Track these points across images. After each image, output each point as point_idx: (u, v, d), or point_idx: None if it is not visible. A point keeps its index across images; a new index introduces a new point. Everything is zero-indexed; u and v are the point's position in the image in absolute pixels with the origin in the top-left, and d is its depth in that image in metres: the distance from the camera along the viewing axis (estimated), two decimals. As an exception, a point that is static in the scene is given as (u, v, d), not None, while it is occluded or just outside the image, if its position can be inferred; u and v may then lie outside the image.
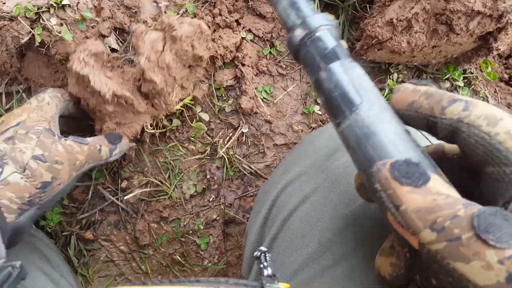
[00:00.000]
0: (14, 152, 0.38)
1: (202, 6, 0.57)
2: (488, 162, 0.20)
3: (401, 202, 0.19)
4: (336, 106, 0.23)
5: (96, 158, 0.46)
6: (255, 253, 0.30)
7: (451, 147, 0.25)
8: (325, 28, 0.25)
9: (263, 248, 0.29)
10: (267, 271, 0.27)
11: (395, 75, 0.56)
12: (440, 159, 0.24)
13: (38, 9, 0.45)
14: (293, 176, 0.43)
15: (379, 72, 0.57)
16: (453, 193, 0.19)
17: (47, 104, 0.45)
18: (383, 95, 0.55)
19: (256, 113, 0.57)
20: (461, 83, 0.57)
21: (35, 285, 0.43)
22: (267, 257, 0.29)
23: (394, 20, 0.48)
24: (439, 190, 0.19)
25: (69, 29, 0.48)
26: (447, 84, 0.56)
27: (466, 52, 0.53)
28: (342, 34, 0.57)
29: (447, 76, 0.56)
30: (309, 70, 0.26)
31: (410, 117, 0.23)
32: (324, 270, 0.34)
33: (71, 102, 0.49)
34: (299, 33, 0.26)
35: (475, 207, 0.18)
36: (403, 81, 0.56)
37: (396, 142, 0.21)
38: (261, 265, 0.28)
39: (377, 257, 0.25)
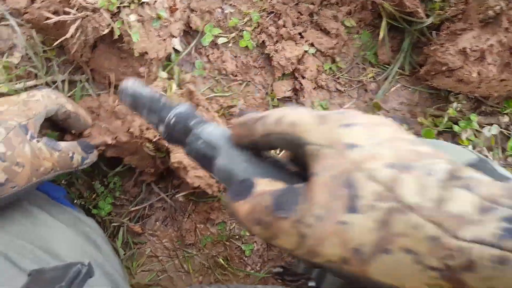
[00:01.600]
0: None
1: (267, 16, 0.58)
2: (294, 151, 0.24)
3: (237, 214, 0.24)
4: (206, 164, 0.29)
5: (66, 165, 0.44)
6: (274, 270, 0.32)
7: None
8: (174, 114, 0.32)
9: (284, 266, 0.31)
10: (311, 283, 0.28)
11: (455, 104, 0.55)
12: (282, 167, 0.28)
13: (120, 3, 0.47)
14: None
15: (437, 99, 0.57)
16: (276, 186, 0.23)
17: (36, 101, 0.43)
18: (441, 122, 0.55)
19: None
20: (520, 117, 0.56)
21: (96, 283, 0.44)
22: (291, 271, 0.31)
23: (468, 50, 0.48)
24: (261, 191, 0.23)
25: (143, 27, 0.50)
26: (506, 119, 0.56)
27: (533, 88, 0.53)
28: (404, 57, 0.57)
29: (506, 110, 0.56)
30: (184, 148, 0.31)
31: (245, 147, 0.27)
32: None
33: (64, 108, 0.46)
34: (162, 129, 0.32)
35: (274, 193, 0.22)
36: (461, 111, 0.56)
37: (246, 169, 0.26)
38: (304, 277, 0.29)
39: None
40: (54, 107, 0.45)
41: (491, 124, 0.55)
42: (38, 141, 0.41)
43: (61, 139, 0.51)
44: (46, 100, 0.44)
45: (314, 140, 0.22)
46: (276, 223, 0.21)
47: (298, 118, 0.23)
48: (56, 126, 0.50)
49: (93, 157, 0.49)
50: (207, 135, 0.29)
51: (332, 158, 0.21)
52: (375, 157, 0.20)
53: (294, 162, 0.27)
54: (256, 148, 0.26)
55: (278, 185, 0.23)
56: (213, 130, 0.29)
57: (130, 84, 0.35)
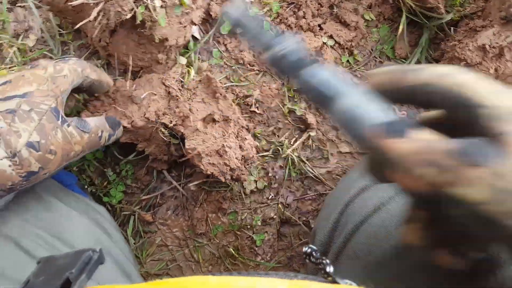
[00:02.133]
0: (10, 135, 0.35)
1: (287, 7, 0.58)
2: (460, 111, 0.22)
3: (389, 150, 0.22)
4: (320, 102, 0.27)
5: (95, 145, 0.44)
6: (304, 249, 0.31)
7: (429, 114, 0.28)
8: (295, 43, 0.30)
9: (312, 246, 0.30)
10: (329, 268, 0.28)
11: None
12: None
13: (143, -11, 0.46)
14: (368, 182, 0.43)
15: (452, 94, 0.58)
16: (435, 137, 0.22)
17: (64, 77, 0.41)
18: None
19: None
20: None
21: (102, 265, 0.44)
22: (318, 254, 0.30)
23: (487, 46, 0.48)
24: (423, 137, 0.22)
25: (166, 13, 0.49)
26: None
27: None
28: (421, 52, 0.58)
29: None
30: (290, 78, 0.30)
31: (390, 94, 0.25)
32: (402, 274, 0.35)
33: (89, 79, 0.45)
34: (271, 52, 0.30)
35: (455, 141, 0.21)
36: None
37: (379, 115, 0.24)
38: (324, 261, 0.28)
39: (401, 230, 0.28)
40: (80, 80, 0.44)
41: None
42: (69, 125, 0.40)
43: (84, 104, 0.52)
44: (73, 74, 0.42)
45: (495, 105, 0.21)
46: (462, 169, 0.20)
47: (472, 81, 0.22)
48: (78, 90, 0.48)
49: (119, 133, 0.48)
50: (326, 75, 0.27)
51: None
52: None
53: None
54: (397, 98, 0.25)
55: (435, 137, 0.22)
56: (332, 73, 0.27)
57: (234, 10, 0.33)
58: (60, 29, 0.58)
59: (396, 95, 0.25)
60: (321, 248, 0.44)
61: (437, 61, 0.57)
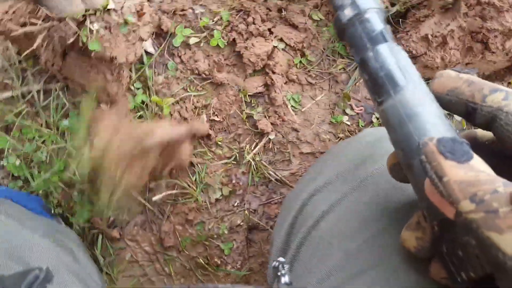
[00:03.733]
0: None
1: (237, 14, 0.59)
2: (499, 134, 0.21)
3: (445, 173, 0.21)
4: (381, 85, 0.25)
5: None
6: (273, 264, 0.30)
7: (483, 133, 0.27)
8: (374, 10, 0.27)
9: (281, 259, 0.30)
10: (285, 279, 0.28)
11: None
12: (472, 144, 0.26)
13: (86, 11, 0.47)
14: (319, 185, 0.43)
15: (408, 85, 0.58)
16: (492, 173, 0.21)
17: None
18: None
19: (284, 120, 0.58)
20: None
21: (63, 283, 0.44)
22: (285, 267, 0.30)
23: (429, 36, 0.48)
24: (480, 168, 0.21)
25: (110, 33, 0.50)
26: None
27: (499, 70, 0.53)
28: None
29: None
30: (355, 49, 0.27)
31: (450, 102, 0.24)
32: (347, 281, 0.34)
33: None
34: (348, 12, 0.27)
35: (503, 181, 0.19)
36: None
37: (437, 124, 0.23)
38: (279, 273, 0.28)
39: (403, 232, 0.27)
40: None
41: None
42: None
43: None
44: None
45: None
46: (509, 219, 0.18)
47: None
48: None
49: None
50: (404, 62, 0.25)
51: None
52: None
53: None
54: (461, 113, 0.24)
55: (492, 172, 0.21)
56: (411, 64, 0.25)
57: None
58: (19, 56, 0.59)
59: (458, 109, 0.24)
60: (278, 254, 0.44)
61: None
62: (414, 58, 0.51)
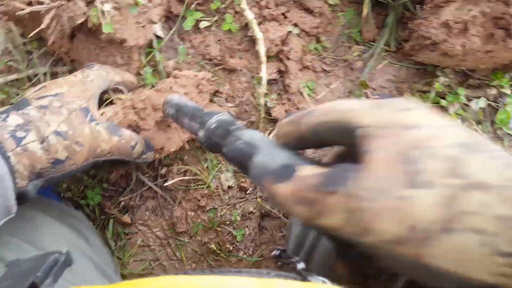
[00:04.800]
0: (40, 122, 0.38)
1: (250, -2, 0.57)
2: (342, 139, 0.24)
3: (275, 196, 0.23)
4: (241, 162, 0.30)
5: (126, 152, 0.45)
6: (273, 253, 0.31)
7: (334, 151, 0.30)
8: (215, 119, 0.34)
9: (280, 248, 0.30)
10: (300, 265, 0.28)
11: (442, 79, 0.55)
12: (339, 160, 0.29)
13: (96, -8, 0.46)
14: None
15: (424, 74, 0.57)
16: (318, 170, 0.23)
17: (90, 81, 0.45)
18: (429, 97, 0.55)
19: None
20: (507, 91, 0.56)
21: (79, 268, 0.44)
22: (289, 254, 0.30)
23: (450, 22, 0.47)
24: (305, 174, 0.23)
25: (120, 14, 0.48)
26: (493, 91, 0.55)
27: (518, 58, 0.52)
28: (390, 33, 0.56)
29: (493, 82, 0.55)
30: (221, 148, 0.33)
31: (291, 145, 0.27)
32: None
33: (114, 82, 0.49)
34: (201, 133, 0.35)
35: (322, 173, 0.22)
36: (449, 85, 0.56)
37: (280, 162, 0.26)
38: (293, 259, 0.28)
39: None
40: (106, 83, 0.48)
41: (478, 97, 0.54)
42: (97, 124, 0.43)
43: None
44: (98, 79, 0.46)
45: (367, 123, 0.21)
46: (323, 199, 0.21)
47: (350, 105, 0.23)
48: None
49: (150, 156, 0.50)
50: (248, 137, 0.30)
51: (388, 137, 0.20)
52: (437, 137, 0.19)
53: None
54: (300, 145, 0.27)
55: (324, 169, 0.22)
56: (255, 134, 0.30)
57: (176, 96, 0.43)
58: (24, 38, 0.57)
59: (300, 141, 0.26)
60: (296, 242, 0.44)
61: (406, 41, 0.56)
62: (434, 45, 0.49)
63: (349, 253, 0.24)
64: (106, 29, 0.46)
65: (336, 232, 0.21)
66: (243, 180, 0.58)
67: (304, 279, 0.26)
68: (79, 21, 0.47)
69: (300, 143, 0.26)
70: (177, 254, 0.58)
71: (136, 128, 0.48)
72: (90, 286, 0.24)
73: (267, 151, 0.27)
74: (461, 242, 0.17)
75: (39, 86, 0.44)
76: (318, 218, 0.21)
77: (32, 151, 0.37)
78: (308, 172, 0.22)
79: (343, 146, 0.26)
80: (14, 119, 0.37)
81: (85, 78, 0.45)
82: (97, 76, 0.47)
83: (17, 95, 0.58)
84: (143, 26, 0.51)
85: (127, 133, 0.46)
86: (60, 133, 0.39)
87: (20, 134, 0.36)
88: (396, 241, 0.18)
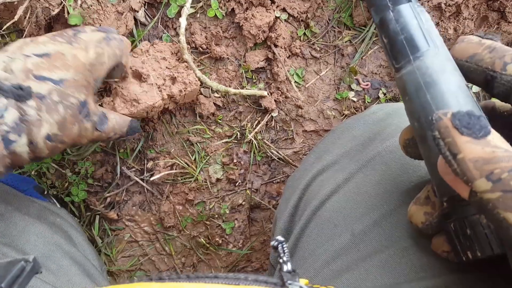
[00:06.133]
0: (35, 126, 0.36)
1: (235, -18, 0.54)
2: None
3: (459, 150, 0.19)
4: (400, 49, 0.23)
5: (98, 141, 0.44)
6: (272, 243, 0.29)
7: (501, 105, 0.25)
8: None
9: (280, 238, 0.28)
10: (287, 267, 0.26)
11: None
12: (489, 115, 0.25)
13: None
14: (325, 164, 0.42)
15: (417, 59, 0.55)
16: (511, 149, 0.19)
17: (101, 64, 0.40)
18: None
19: (287, 97, 0.55)
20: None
21: (60, 268, 0.43)
22: (285, 249, 0.28)
23: (443, 5, 0.45)
24: (498, 144, 0.19)
25: (98, 3, 0.46)
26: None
27: (513, 42, 0.50)
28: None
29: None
30: (375, 8, 0.25)
31: (468, 69, 0.23)
32: (356, 262, 0.33)
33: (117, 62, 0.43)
34: None
35: None
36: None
37: (457, 94, 0.22)
38: (280, 260, 0.27)
39: (410, 206, 0.27)
40: (113, 64, 0.42)
41: (472, 83, 0.53)
42: (88, 121, 0.40)
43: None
44: (111, 60, 0.41)
45: None
46: None
47: None
48: None
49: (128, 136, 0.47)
50: (428, 25, 0.23)
51: None
52: None
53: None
54: (485, 82, 0.23)
55: (510, 147, 0.19)
56: (430, 23, 0.24)
57: None
58: (2, 31, 0.55)
59: (474, 74, 0.23)
60: (281, 235, 0.43)
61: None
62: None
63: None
64: (72, 20, 0.44)
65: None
66: (231, 172, 0.56)
67: (283, 284, 0.24)
68: (55, 12, 0.44)
69: (481, 76, 0.23)
70: (166, 248, 0.57)
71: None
72: None
73: (441, 63, 0.22)
74: None
75: (43, 48, 0.37)
76: (506, 210, 0.18)
77: (19, 153, 0.35)
78: (499, 142, 0.19)
79: None
80: (12, 114, 0.34)
81: (97, 60, 0.39)
82: (111, 57, 0.41)
83: None
84: (124, 15, 0.49)
85: (110, 125, 0.43)
86: (51, 136, 0.37)
87: (12, 137, 0.34)
88: None
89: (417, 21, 0.23)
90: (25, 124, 0.35)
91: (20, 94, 0.35)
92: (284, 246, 0.28)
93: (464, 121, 0.19)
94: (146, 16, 0.55)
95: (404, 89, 0.23)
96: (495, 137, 0.19)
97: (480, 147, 0.19)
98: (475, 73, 0.23)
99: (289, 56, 0.55)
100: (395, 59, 0.24)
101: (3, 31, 0.55)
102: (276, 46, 0.54)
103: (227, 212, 0.56)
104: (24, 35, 0.48)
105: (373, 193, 0.35)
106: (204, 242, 0.56)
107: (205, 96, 0.56)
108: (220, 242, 0.56)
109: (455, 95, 0.22)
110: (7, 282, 0.21)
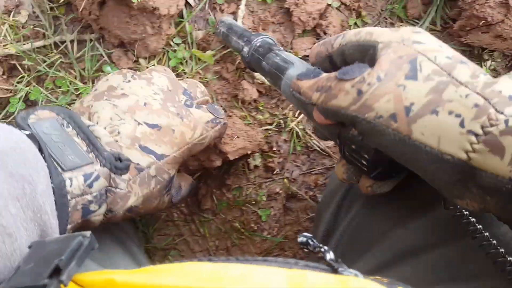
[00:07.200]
0: (122, 199, 0.33)
1: (288, -34, 0.53)
2: (364, 56, 0.28)
3: (300, 87, 0.30)
4: (276, 73, 0.36)
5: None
6: (299, 239, 0.29)
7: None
8: (261, 39, 0.43)
9: (307, 234, 0.28)
10: (330, 255, 0.26)
11: (489, 63, 0.51)
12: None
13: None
14: None
15: (470, 57, 0.53)
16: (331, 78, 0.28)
17: (201, 144, 0.40)
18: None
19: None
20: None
21: (104, 246, 0.43)
22: (315, 243, 0.28)
23: (510, 1, 0.43)
24: (323, 77, 0.29)
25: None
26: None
27: None
28: (436, 11, 0.52)
29: (545, 67, 0.52)
30: (257, 67, 0.41)
31: (320, 63, 0.32)
32: (405, 256, 0.33)
33: None
34: (246, 49, 0.43)
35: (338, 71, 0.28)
36: (495, 69, 0.52)
37: (298, 66, 0.35)
38: (322, 249, 0.27)
39: (334, 168, 0.34)
40: (209, 144, 0.43)
41: (528, 85, 0.51)
42: (168, 195, 0.39)
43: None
44: (210, 142, 0.42)
45: (386, 39, 0.26)
46: (337, 85, 0.26)
47: (374, 29, 0.28)
48: None
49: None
50: (285, 55, 0.37)
51: (400, 46, 0.25)
52: (438, 50, 0.25)
53: None
54: (327, 65, 0.31)
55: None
56: (291, 54, 0.37)
57: (230, 18, 0.51)
58: (51, 3, 0.55)
59: (329, 59, 0.31)
60: (325, 228, 0.43)
61: (454, 20, 0.52)
62: (488, 26, 0.46)
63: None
64: (139, -5, 0.44)
65: (343, 111, 0.26)
66: (270, 160, 0.56)
67: (335, 271, 0.24)
68: (110, -14, 0.44)
69: (326, 62, 0.31)
70: (201, 230, 0.58)
71: None
72: (113, 270, 0.23)
73: (299, 66, 0.34)
74: (441, 121, 0.22)
75: (155, 118, 0.36)
76: (330, 100, 0.26)
77: (92, 221, 0.32)
78: (326, 77, 0.28)
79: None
80: (101, 184, 0.31)
81: (200, 141, 0.39)
82: (211, 140, 0.41)
83: (44, 62, 0.57)
84: (176, -6, 0.48)
85: (184, 194, 0.42)
86: (132, 209, 0.34)
87: (92, 207, 0.31)
88: (391, 117, 0.24)
89: (279, 57, 0.37)
90: (111, 195, 0.33)
91: (117, 167, 0.32)
92: (313, 240, 0.28)
93: (303, 74, 0.30)
94: (196, -2, 0.55)
95: (285, 94, 0.36)
96: (324, 75, 0.29)
97: (312, 81, 0.29)
98: (323, 63, 0.32)
99: (338, 46, 0.54)
100: (275, 82, 0.38)
101: (52, 4, 0.56)
102: (325, 34, 0.53)
103: (264, 199, 0.56)
104: (79, 9, 0.48)
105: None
106: (239, 227, 0.56)
107: (248, 82, 0.55)
108: (255, 228, 0.56)
109: (299, 67, 0.34)
110: (67, 256, 0.21)
